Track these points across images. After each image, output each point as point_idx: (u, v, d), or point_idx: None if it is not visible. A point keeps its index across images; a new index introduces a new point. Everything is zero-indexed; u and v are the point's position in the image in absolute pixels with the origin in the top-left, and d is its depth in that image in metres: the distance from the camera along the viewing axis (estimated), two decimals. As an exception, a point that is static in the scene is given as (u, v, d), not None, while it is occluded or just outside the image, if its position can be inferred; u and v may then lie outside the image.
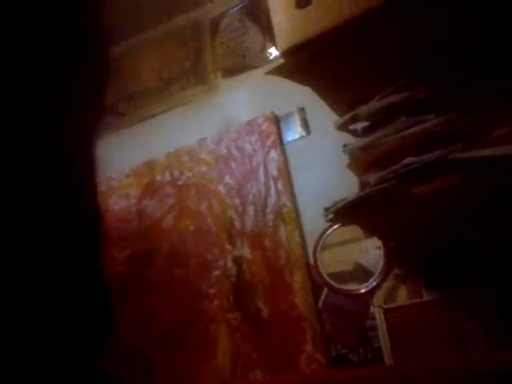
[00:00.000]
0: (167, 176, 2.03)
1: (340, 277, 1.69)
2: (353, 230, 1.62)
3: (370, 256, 1.66)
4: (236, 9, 2.03)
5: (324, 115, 1.51)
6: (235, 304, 1.81)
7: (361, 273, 1.67)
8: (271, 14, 1.24)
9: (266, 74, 1.31)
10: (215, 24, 2.07)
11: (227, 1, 2.06)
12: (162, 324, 1.89)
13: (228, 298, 1.82)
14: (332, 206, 1.29)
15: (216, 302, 1.83)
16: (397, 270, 1.61)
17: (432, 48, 1.16)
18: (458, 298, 1.50)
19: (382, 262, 1.63)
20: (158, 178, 2.04)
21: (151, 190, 2.05)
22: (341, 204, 1.26)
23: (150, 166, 2.06)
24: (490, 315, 1.43)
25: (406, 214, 1.30)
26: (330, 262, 1.71)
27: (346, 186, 1.37)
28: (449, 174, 1.13)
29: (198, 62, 2.09)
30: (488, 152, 1.08)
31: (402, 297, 1.60)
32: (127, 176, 2.11)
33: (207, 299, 1.84)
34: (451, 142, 1.13)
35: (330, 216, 1.33)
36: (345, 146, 1.30)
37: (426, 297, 1.55)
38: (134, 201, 2.07)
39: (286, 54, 1.19)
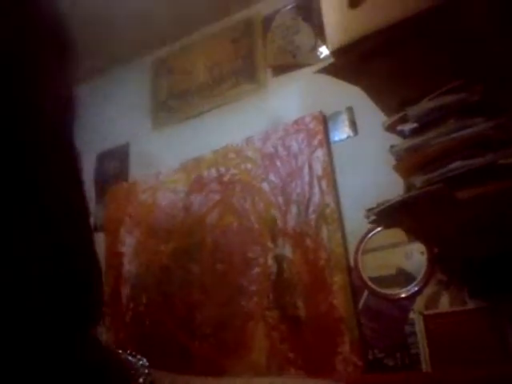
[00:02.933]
0: (213, 172, 2.06)
1: (381, 281, 1.68)
2: (396, 234, 1.60)
3: (413, 261, 1.64)
4: (288, 8, 2.04)
5: (372, 116, 1.50)
6: (274, 302, 1.82)
7: (403, 278, 1.65)
8: (323, 13, 1.25)
9: (316, 72, 1.32)
10: (267, 23, 2.09)
11: (280, 0, 2.08)
12: (202, 317, 1.92)
13: (267, 296, 1.83)
14: (375, 208, 1.28)
15: (255, 299, 1.84)
16: (440, 276, 1.58)
17: (486, 50, 1.14)
18: (502, 307, 1.46)
19: (424, 267, 1.60)
20: (205, 174, 2.08)
21: (198, 185, 2.08)
22: (385, 205, 1.25)
23: (198, 162, 2.10)
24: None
25: (452, 218, 1.28)
26: (372, 266, 1.70)
27: (391, 187, 1.35)
28: (497, 179, 1.11)
29: (249, 61, 2.12)
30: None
31: (444, 303, 1.57)
32: (176, 171, 2.16)
33: (247, 296, 1.86)
34: (501, 147, 1.11)
35: (373, 218, 1.32)
36: (392, 147, 1.29)
37: (469, 304, 1.52)
38: (181, 195, 2.12)
39: (337, 53, 1.20)
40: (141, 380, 0.33)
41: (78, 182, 0.29)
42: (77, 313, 0.27)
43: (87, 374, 0.28)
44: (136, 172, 2.29)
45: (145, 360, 0.35)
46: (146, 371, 0.33)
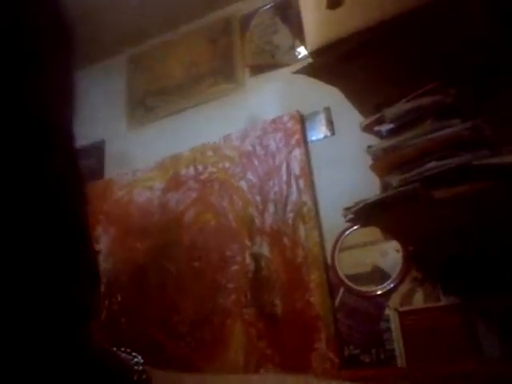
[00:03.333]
0: (191, 170, 2.06)
1: (357, 278, 1.70)
2: (372, 232, 1.62)
3: (388, 259, 1.66)
4: (267, 7, 2.05)
5: (349, 116, 1.52)
6: (252, 300, 1.82)
7: (378, 275, 1.67)
8: (302, 13, 1.26)
9: (294, 73, 1.33)
10: (245, 22, 2.09)
11: (258, -1, 2.08)
12: (179, 316, 1.92)
13: (245, 294, 1.84)
14: (352, 207, 1.30)
15: (233, 296, 1.85)
16: (414, 273, 1.61)
17: (462, 53, 1.16)
18: (475, 304, 1.49)
19: (400, 265, 1.63)
20: (183, 172, 2.07)
21: (175, 183, 2.08)
22: (361, 205, 1.27)
23: (175, 160, 2.10)
24: (506, 322, 1.42)
25: (428, 217, 1.31)
26: (348, 264, 1.72)
27: (368, 187, 1.37)
28: (473, 179, 1.13)
29: (227, 60, 2.11)
30: (513, 159, 1.08)
31: (419, 300, 1.60)
32: (152, 169, 2.14)
33: (224, 294, 1.86)
34: (476, 147, 1.14)
35: (350, 216, 1.34)
36: (369, 147, 1.31)
37: (443, 301, 1.55)
38: (157, 193, 2.11)
39: (315, 53, 1.21)
40: (135, 377, 0.33)
41: (79, 178, 0.29)
42: (79, 309, 0.27)
43: (85, 370, 0.28)
44: (112, 170, 2.26)
45: (140, 357, 0.34)
46: (141, 368, 0.33)
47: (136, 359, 0.34)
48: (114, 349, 0.35)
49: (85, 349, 0.29)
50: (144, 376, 0.33)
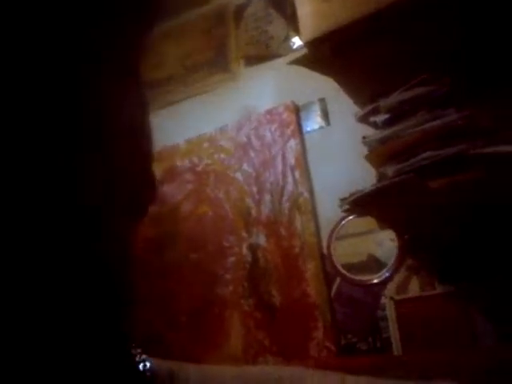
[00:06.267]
0: (187, 162, 2.06)
1: (353, 267, 1.71)
2: (367, 222, 1.64)
3: (384, 248, 1.67)
4: (260, -3, 2.04)
5: (344, 106, 1.53)
6: (249, 290, 1.84)
7: (374, 264, 1.69)
8: (296, 3, 1.26)
9: (289, 63, 1.33)
10: (239, 12, 2.08)
11: (252, -11, 2.07)
12: (178, 307, 1.93)
13: (242, 285, 1.85)
14: (348, 197, 1.31)
15: (231, 287, 1.86)
16: (410, 262, 1.63)
17: (456, 43, 1.17)
18: (471, 293, 1.51)
19: (395, 254, 1.64)
20: (178, 163, 2.07)
21: (171, 175, 2.08)
22: (357, 195, 1.28)
23: (171, 151, 2.09)
24: (502, 310, 1.44)
25: (423, 207, 1.32)
26: (344, 253, 1.73)
27: (363, 177, 1.38)
28: (467, 169, 1.14)
29: (221, 51, 2.11)
30: (508, 148, 1.09)
31: (415, 288, 1.61)
32: (147, 160, 2.14)
33: (222, 285, 1.87)
34: (471, 137, 1.15)
35: (346, 207, 1.35)
36: (364, 137, 1.32)
37: (439, 289, 1.57)
38: (153, 184, 2.11)
39: (310, 44, 1.21)
40: (140, 367, 0.33)
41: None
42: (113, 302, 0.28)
43: (91, 360, 0.28)
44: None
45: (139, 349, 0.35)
46: (144, 358, 0.34)
47: (139, 349, 0.35)
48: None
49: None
50: (148, 366, 0.33)
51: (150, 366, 0.33)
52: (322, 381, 0.36)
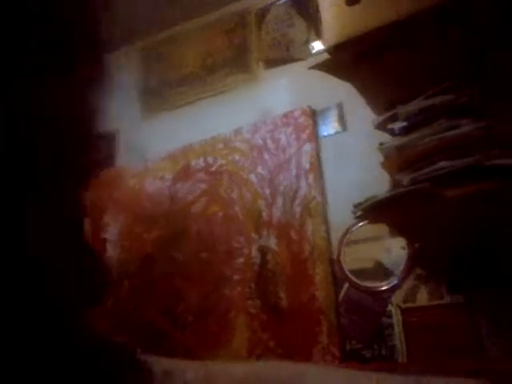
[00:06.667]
0: (201, 162, 2.07)
1: (361, 273, 1.72)
2: (377, 229, 1.64)
3: (392, 255, 1.67)
4: (283, 1, 2.05)
5: (361, 112, 1.53)
6: (256, 292, 1.84)
7: (381, 271, 1.69)
8: (320, 8, 1.27)
9: (310, 68, 1.34)
10: (262, 15, 2.10)
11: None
12: (184, 305, 1.94)
13: (250, 286, 1.85)
14: (362, 203, 1.31)
15: (238, 288, 1.87)
16: (419, 271, 1.62)
17: (476, 54, 1.17)
18: (479, 303, 1.51)
19: (404, 262, 1.64)
20: (193, 163, 2.09)
21: (185, 174, 2.09)
22: (372, 201, 1.28)
23: (186, 151, 2.11)
24: (511, 322, 1.44)
25: (436, 216, 1.32)
26: (353, 258, 1.73)
27: (377, 184, 1.38)
28: (483, 180, 1.14)
29: (242, 52, 2.12)
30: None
31: (422, 298, 1.61)
32: (163, 159, 2.16)
33: (230, 285, 1.88)
34: (487, 148, 1.15)
35: (359, 213, 1.35)
36: (381, 144, 1.32)
37: (447, 299, 1.57)
38: (167, 184, 2.12)
39: (332, 49, 1.22)
40: (133, 365, 0.33)
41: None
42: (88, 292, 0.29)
43: (81, 358, 0.30)
44: (123, 158, 2.28)
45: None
46: (137, 356, 0.34)
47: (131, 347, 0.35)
48: (110, 337, 0.36)
49: (79, 337, 0.30)
50: (140, 364, 0.33)
51: (147, 364, 0.34)
52: (332, 376, 0.36)
